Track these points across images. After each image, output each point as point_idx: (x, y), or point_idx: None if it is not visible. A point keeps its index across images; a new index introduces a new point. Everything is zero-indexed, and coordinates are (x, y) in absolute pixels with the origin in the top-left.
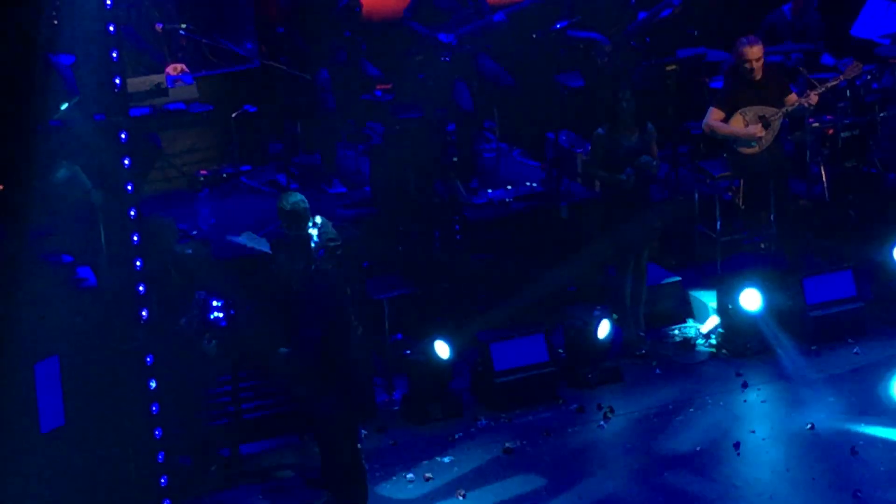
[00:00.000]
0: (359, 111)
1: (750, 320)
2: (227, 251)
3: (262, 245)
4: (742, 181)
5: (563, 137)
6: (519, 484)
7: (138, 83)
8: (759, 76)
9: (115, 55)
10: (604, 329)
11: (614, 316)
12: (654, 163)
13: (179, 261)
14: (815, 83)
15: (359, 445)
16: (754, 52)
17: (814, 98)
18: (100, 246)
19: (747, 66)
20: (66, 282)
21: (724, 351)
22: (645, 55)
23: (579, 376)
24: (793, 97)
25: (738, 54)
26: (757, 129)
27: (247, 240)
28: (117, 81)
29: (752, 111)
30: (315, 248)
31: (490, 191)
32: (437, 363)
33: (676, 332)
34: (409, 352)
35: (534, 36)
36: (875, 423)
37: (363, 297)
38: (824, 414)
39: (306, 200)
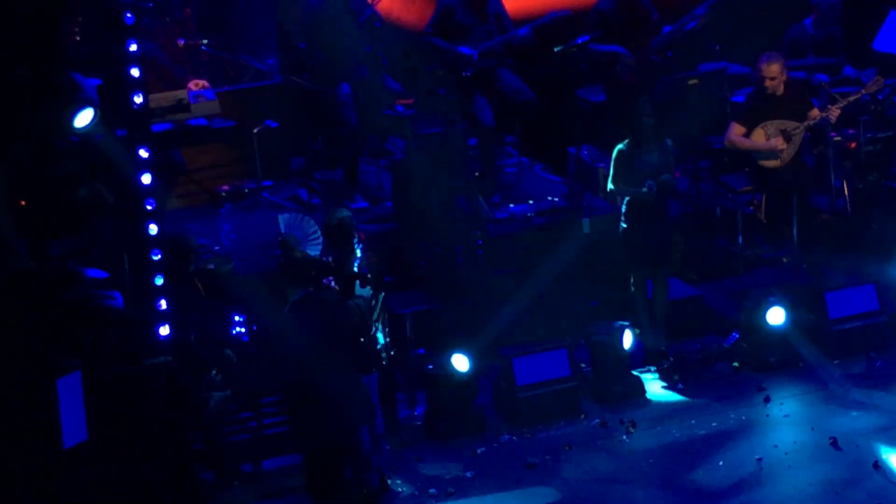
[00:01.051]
0: (380, 126)
1: (773, 335)
2: (249, 266)
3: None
4: (764, 195)
5: (585, 152)
6: (541, 499)
7: (160, 99)
8: (780, 92)
9: (137, 72)
10: (627, 341)
11: (636, 331)
12: (673, 180)
13: (200, 276)
14: (837, 97)
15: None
16: (773, 69)
17: (835, 112)
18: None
19: (766, 83)
20: (92, 298)
21: (746, 365)
22: (667, 69)
23: (602, 391)
24: (815, 112)
25: (758, 71)
26: (778, 143)
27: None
28: (139, 99)
29: (773, 125)
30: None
31: (512, 206)
32: (457, 378)
33: (699, 346)
34: (430, 366)
35: (555, 50)
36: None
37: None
38: (846, 428)
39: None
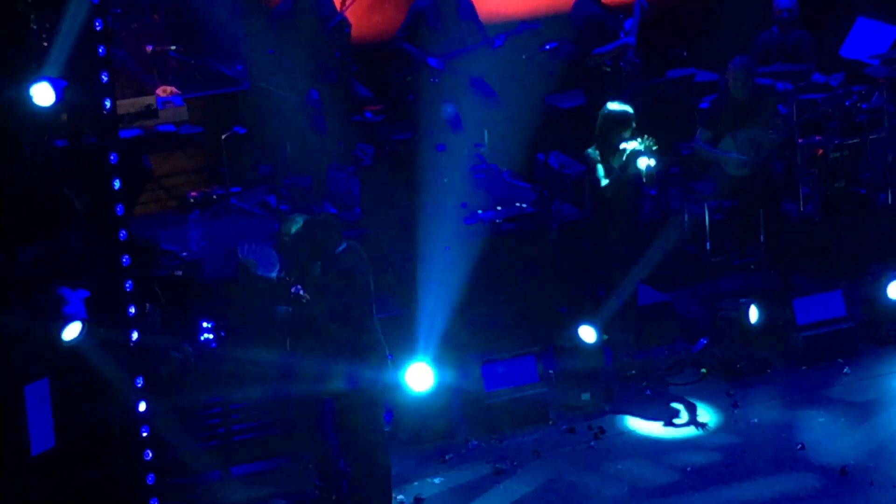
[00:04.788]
0: (349, 132)
1: (744, 340)
2: (218, 272)
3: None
4: (732, 202)
5: (553, 158)
6: None
7: (128, 105)
8: (745, 96)
9: (104, 77)
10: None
11: (604, 336)
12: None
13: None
14: (806, 104)
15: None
16: (740, 73)
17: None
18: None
19: (731, 84)
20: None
21: (715, 371)
22: (635, 76)
23: (571, 397)
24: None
25: (727, 73)
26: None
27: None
28: (107, 104)
29: (743, 135)
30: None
31: (480, 212)
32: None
33: (667, 352)
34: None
35: (523, 57)
36: (865, 444)
37: None
38: (815, 434)
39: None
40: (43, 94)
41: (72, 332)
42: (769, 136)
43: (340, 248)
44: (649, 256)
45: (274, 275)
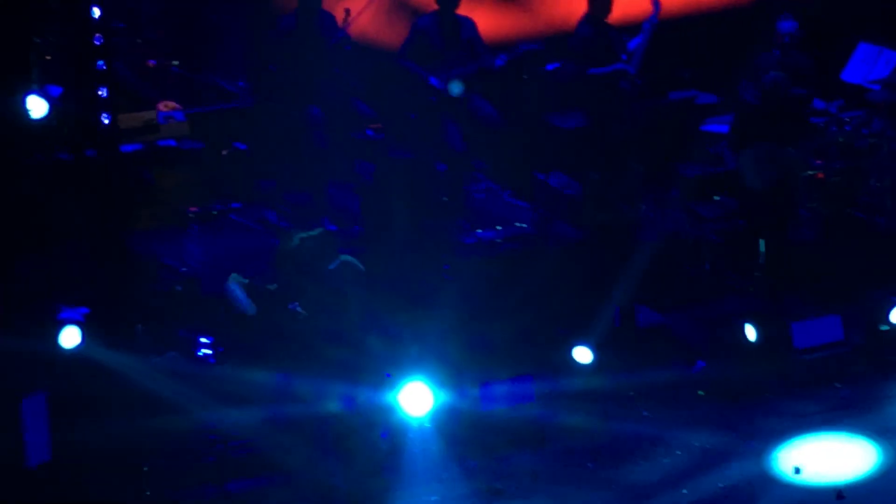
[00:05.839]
0: (350, 150)
1: (741, 363)
2: (217, 287)
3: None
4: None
5: (553, 179)
6: None
7: (129, 119)
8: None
9: (104, 91)
10: (584, 358)
11: (601, 357)
12: None
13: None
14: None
15: None
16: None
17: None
18: None
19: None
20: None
21: (712, 394)
22: (636, 97)
23: (568, 418)
24: None
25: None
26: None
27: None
28: (106, 120)
29: (764, 148)
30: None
31: (479, 231)
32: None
33: (665, 374)
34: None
35: (524, 77)
36: (860, 467)
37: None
38: (811, 457)
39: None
40: (35, 106)
41: (71, 338)
42: (789, 154)
43: (334, 265)
44: (647, 277)
45: (253, 312)
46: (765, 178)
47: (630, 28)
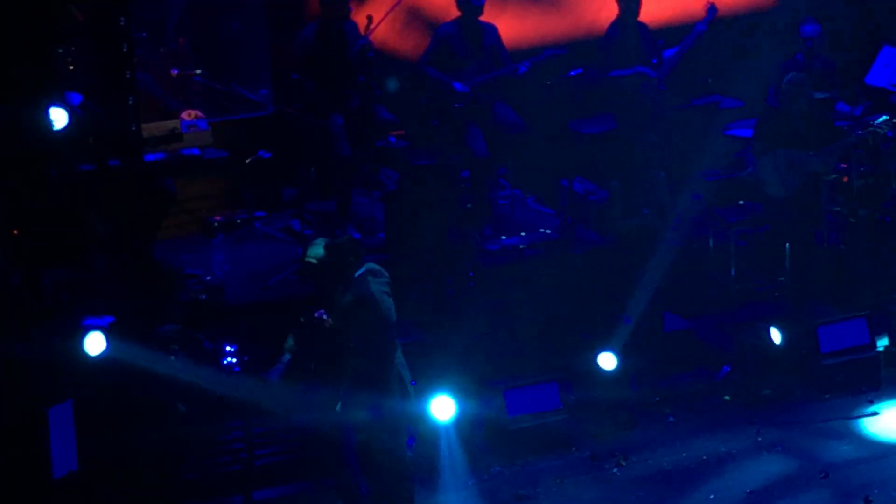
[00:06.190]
0: (373, 157)
1: (767, 368)
2: (241, 296)
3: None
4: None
5: (578, 185)
6: None
7: (153, 128)
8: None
9: (129, 101)
10: (609, 364)
11: (626, 363)
12: None
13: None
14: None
15: None
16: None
17: None
18: None
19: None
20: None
21: (738, 398)
22: (661, 103)
23: (594, 423)
24: None
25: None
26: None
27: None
28: (132, 128)
29: (783, 155)
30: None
31: (504, 237)
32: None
33: (690, 378)
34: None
35: (548, 83)
36: (889, 471)
37: None
38: (839, 462)
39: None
40: (58, 117)
41: (96, 344)
42: (811, 159)
43: (359, 273)
44: (672, 283)
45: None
46: (787, 185)
47: (678, 30)
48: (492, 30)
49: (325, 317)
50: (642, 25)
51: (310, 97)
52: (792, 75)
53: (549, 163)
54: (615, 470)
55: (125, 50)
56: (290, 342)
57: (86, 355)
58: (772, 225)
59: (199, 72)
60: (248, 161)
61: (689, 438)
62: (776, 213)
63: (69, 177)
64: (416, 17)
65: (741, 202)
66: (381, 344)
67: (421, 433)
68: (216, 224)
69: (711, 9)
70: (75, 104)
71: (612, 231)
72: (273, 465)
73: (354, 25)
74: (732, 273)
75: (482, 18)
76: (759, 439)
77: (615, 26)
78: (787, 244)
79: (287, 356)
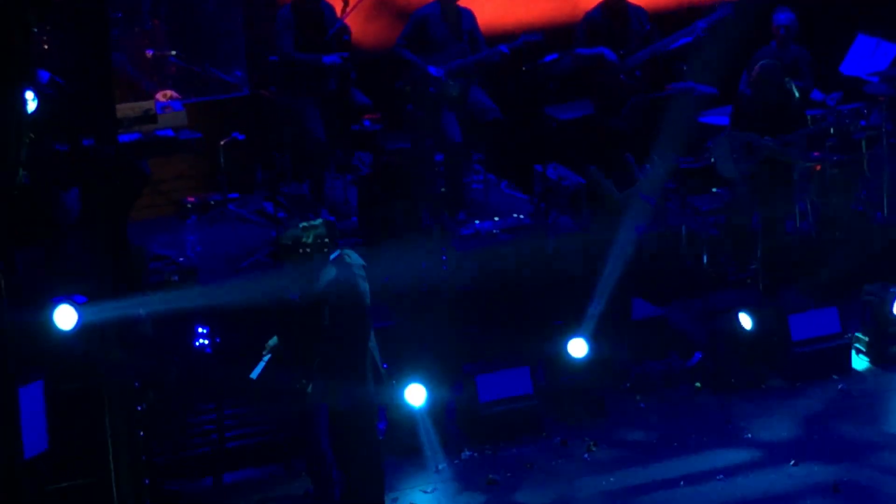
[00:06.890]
0: (347, 141)
1: (738, 355)
2: (214, 278)
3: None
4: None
5: (551, 170)
6: None
7: (127, 109)
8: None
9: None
10: (580, 350)
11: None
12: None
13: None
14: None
15: None
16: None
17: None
18: None
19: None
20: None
21: (709, 386)
22: (635, 89)
23: (564, 409)
24: None
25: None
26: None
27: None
28: (107, 108)
29: (740, 137)
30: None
31: (477, 222)
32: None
33: (662, 366)
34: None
35: (523, 68)
36: (858, 459)
37: None
38: (808, 450)
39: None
40: (31, 97)
41: (67, 317)
42: (768, 143)
43: (334, 256)
44: (645, 270)
45: (255, 376)
46: (739, 167)
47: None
48: (469, 14)
49: (296, 299)
50: (637, 10)
51: (285, 79)
52: (764, 62)
53: (523, 148)
54: (586, 455)
55: (101, 29)
56: (273, 341)
57: (57, 330)
58: (734, 212)
59: (174, 53)
60: (222, 143)
61: (659, 425)
62: (735, 198)
63: (42, 156)
64: (377, 10)
65: (714, 189)
66: (356, 327)
67: (393, 418)
68: (190, 205)
69: (722, 7)
70: (44, 82)
71: (585, 216)
72: (244, 448)
73: (331, 8)
74: (705, 260)
75: (460, 3)
76: (730, 426)
77: (597, 8)
78: (759, 233)
79: (268, 356)
